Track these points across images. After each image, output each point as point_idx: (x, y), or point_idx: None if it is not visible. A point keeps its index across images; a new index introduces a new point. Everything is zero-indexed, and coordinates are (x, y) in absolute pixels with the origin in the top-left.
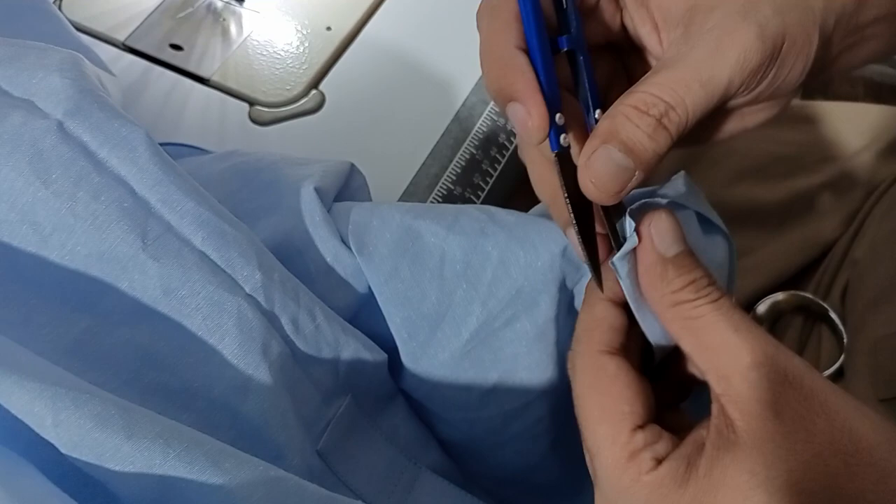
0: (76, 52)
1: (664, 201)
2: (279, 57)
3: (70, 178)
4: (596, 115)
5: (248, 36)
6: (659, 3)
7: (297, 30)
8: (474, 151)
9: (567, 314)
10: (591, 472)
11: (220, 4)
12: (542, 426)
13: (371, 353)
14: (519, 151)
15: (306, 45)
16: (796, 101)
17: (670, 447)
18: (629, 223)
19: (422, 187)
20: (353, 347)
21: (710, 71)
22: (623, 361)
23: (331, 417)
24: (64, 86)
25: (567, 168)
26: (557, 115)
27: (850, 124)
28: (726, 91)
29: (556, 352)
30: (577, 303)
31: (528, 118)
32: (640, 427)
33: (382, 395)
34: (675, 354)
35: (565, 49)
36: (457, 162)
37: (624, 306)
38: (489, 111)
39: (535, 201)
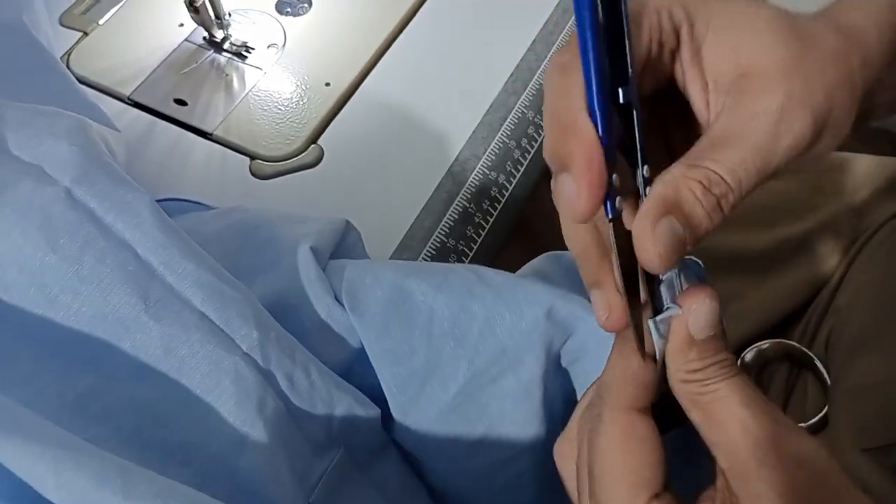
0: (83, 118)
1: (700, 270)
2: (280, 112)
3: (77, 243)
4: (644, 172)
5: (250, 91)
6: (711, 64)
7: (298, 85)
8: (467, 205)
9: (555, 373)
10: None
11: (223, 60)
12: (529, 476)
13: (364, 409)
14: (555, 198)
15: (306, 100)
16: None
17: None
18: (671, 288)
19: (416, 240)
20: (347, 403)
21: (767, 157)
22: (652, 424)
23: (323, 470)
24: (72, 153)
25: (619, 232)
26: (614, 177)
27: (835, 172)
28: (774, 173)
29: (542, 408)
30: (564, 362)
31: (576, 198)
32: (657, 496)
33: (374, 447)
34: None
35: (622, 102)
36: (450, 215)
37: (656, 369)
38: (481, 165)
39: (526, 253)
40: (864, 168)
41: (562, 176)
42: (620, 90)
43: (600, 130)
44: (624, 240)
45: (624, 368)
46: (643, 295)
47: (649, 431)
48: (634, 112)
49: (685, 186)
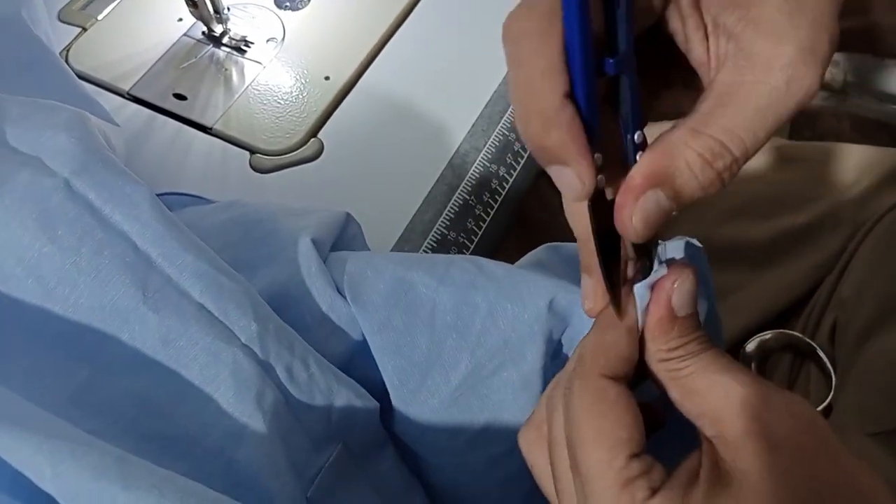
0: (82, 111)
1: (681, 250)
2: (279, 106)
3: (75, 234)
4: (636, 138)
5: (250, 85)
6: (710, 4)
7: (297, 79)
8: (467, 197)
9: (552, 364)
10: (578, 499)
11: (222, 55)
12: (527, 470)
13: (363, 402)
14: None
15: (305, 94)
16: (782, 141)
17: (664, 477)
18: (662, 254)
19: (417, 233)
20: (346, 396)
21: (777, 115)
22: (624, 389)
23: (322, 465)
24: (71, 145)
25: (598, 205)
26: (596, 156)
27: (835, 163)
28: (778, 130)
29: None
30: (565, 350)
31: (578, 184)
32: (636, 455)
33: (373, 442)
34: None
35: (611, 74)
36: (451, 208)
37: (635, 339)
38: (482, 158)
39: (527, 245)
40: (865, 159)
41: (555, 168)
42: (610, 61)
43: (584, 114)
44: (606, 212)
45: (598, 338)
46: (627, 267)
47: (621, 394)
48: (628, 79)
49: (682, 157)
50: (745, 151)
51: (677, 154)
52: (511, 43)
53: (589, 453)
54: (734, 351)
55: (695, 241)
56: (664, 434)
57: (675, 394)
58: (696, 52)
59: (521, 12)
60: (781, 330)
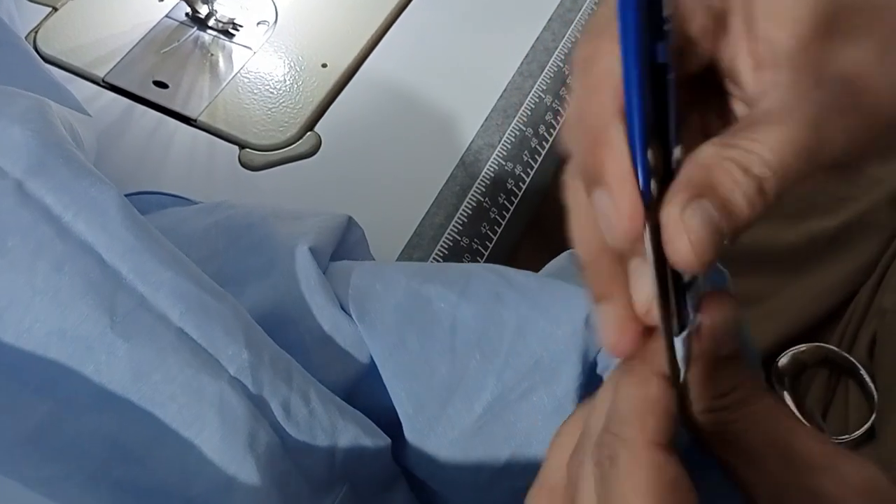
0: (43, 98)
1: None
2: (272, 96)
3: (29, 247)
4: (678, 153)
5: (239, 73)
6: (767, 34)
7: (291, 66)
8: (481, 199)
9: (589, 385)
10: None
11: (208, 39)
12: None
13: (372, 439)
14: (565, 189)
15: (300, 83)
16: None
17: None
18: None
19: (426, 238)
20: (353, 433)
21: (824, 136)
22: (681, 466)
23: None
24: (25, 139)
25: (654, 222)
26: (649, 153)
27: None
28: (829, 161)
29: None
30: (600, 369)
31: (615, 215)
32: None
33: (383, 480)
34: None
35: (661, 62)
36: (463, 210)
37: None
38: (496, 155)
39: (546, 251)
40: None
41: (596, 193)
42: (659, 45)
43: (637, 111)
44: (658, 234)
45: (642, 395)
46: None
47: (679, 475)
48: (670, 76)
49: (719, 167)
50: (786, 167)
51: (713, 163)
52: (573, 73)
53: None
54: (766, 365)
55: (718, 266)
56: None
57: (726, 454)
58: (745, 81)
59: (583, 39)
60: (817, 343)
